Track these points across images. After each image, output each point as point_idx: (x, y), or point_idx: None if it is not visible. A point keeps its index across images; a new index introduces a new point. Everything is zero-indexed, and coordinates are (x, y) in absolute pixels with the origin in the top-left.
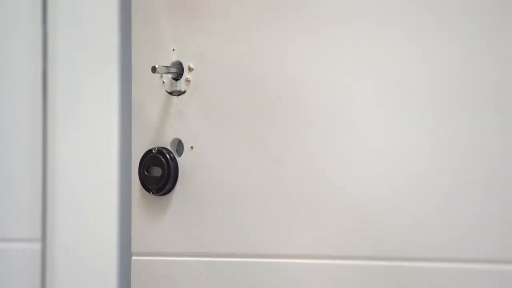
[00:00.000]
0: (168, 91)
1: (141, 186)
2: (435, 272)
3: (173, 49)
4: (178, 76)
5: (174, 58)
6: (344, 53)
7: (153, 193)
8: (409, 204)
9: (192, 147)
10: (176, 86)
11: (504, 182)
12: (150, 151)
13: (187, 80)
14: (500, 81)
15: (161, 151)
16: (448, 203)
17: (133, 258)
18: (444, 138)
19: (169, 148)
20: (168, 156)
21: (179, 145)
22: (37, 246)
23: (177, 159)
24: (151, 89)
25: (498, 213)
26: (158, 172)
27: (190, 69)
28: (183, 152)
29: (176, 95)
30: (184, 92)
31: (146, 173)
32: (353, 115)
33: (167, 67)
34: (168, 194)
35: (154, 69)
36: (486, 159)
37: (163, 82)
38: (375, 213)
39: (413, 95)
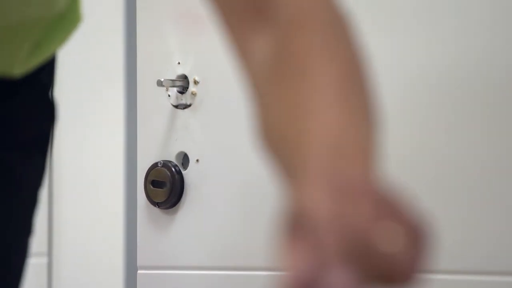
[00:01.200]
0: (174, 104)
1: (147, 200)
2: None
3: (178, 63)
4: (183, 89)
5: (179, 71)
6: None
7: (158, 207)
8: None
9: (197, 160)
10: (182, 99)
11: None
12: (155, 164)
13: (193, 93)
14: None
15: (166, 164)
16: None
17: (138, 272)
18: None
19: (174, 161)
20: (173, 169)
21: (184, 159)
22: (44, 260)
23: (183, 172)
24: (156, 103)
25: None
26: (163, 185)
27: (195, 82)
28: (189, 166)
29: (181, 108)
30: (190, 105)
31: (151, 186)
32: None
33: (172, 80)
34: (174, 208)
35: (159, 83)
36: None
37: (169, 96)
38: None
39: None
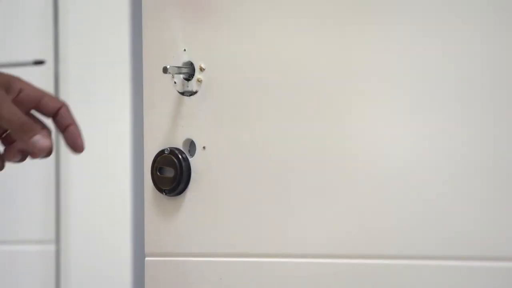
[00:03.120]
0: (180, 91)
1: (154, 187)
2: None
3: (184, 49)
4: (189, 76)
5: (185, 58)
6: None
7: (166, 194)
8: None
9: (204, 148)
10: (188, 86)
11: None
12: (162, 151)
13: (198, 80)
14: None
15: (173, 151)
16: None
17: (146, 258)
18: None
19: (181, 148)
20: (180, 156)
21: (191, 146)
22: (51, 247)
23: (190, 159)
24: (162, 90)
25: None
26: (170, 172)
27: (201, 69)
28: (196, 153)
29: (187, 95)
30: (196, 92)
31: (158, 173)
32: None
33: (178, 67)
34: (181, 195)
35: (165, 70)
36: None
37: (175, 83)
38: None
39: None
